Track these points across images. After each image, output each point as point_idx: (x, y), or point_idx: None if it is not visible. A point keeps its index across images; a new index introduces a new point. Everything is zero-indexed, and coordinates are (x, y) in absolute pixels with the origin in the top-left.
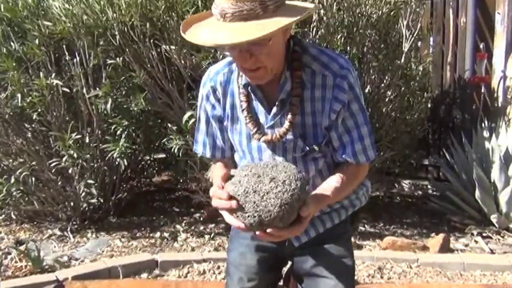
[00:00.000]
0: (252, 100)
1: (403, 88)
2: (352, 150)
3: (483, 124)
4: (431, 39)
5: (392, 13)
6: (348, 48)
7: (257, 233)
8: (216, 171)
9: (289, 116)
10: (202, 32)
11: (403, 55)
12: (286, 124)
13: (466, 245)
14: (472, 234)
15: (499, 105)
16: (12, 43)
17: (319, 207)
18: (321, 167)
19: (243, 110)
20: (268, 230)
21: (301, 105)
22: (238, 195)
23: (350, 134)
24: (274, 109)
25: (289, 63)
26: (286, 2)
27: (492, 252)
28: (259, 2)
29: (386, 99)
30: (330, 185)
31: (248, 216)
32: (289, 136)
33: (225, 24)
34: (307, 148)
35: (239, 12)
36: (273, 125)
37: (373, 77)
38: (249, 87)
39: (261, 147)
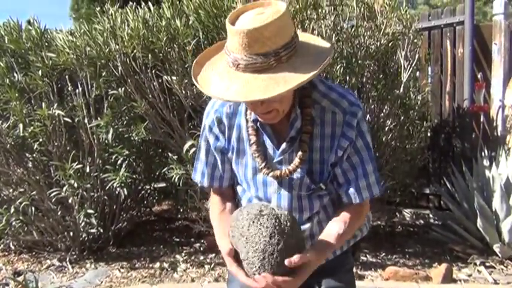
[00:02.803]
0: (260, 134)
1: (402, 117)
2: (357, 187)
3: (483, 153)
4: (429, 69)
5: (390, 44)
6: (347, 78)
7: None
8: (217, 228)
9: (300, 153)
10: (213, 82)
11: (402, 85)
12: (296, 161)
13: (469, 275)
14: (475, 264)
15: (499, 134)
16: (15, 74)
17: (321, 257)
18: (326, 203)
19: (251, 144)
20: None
21: (310, 142)
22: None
23: (355, 170)
24: (284, 145)
25: (299, 100)
26: (299, 38)
27: (496, 282)
28: (274, 54)
29: (386, 129)
30: (332, 234)
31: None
32: (298, 173)
33: (237, 73)
34: (313, 186)
35: (252, 65)
36: (281, 160)
37: (373, 106)
38: (258, 123)
39: (266, 181)
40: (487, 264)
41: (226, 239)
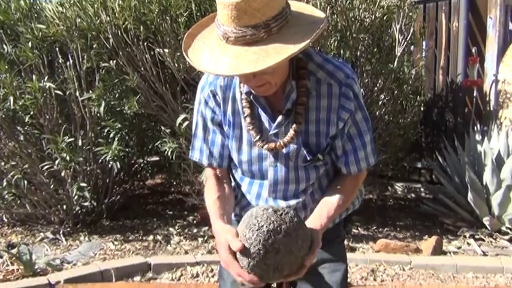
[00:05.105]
0: (255, 107)
1: (396, 92)
2: (356, 158)
3: (475, 127)
4: (424, 43)
5: (385, 17)
6: (342, 52)
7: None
8: (213, 215)
9: (294, 125)
10: (204, 56)
11: (396, 59)
12: (291, 133)
13: (459, 248)
14: (465, 236)
15: (491, 108)
16: (4, 46)
17: (323, 231)
18: (321, 174)
19: (245, 117)
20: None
21: (305, 114)
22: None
23: (353, 141)
24: (280, 118)
25: (294, 71)
26: (292, 8)
27: (484, 254)
28: (264, 26)
29: (380, 103)
30: (331, 203)
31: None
32: (293, 144)
33: (227, 47)
34: (310, 157)
35: (242, 38)
36: (277, 133)
37: (367, 80)
38: (252, 96)
39: (262, 154)
40: (477, 236)
41: (222, 225)
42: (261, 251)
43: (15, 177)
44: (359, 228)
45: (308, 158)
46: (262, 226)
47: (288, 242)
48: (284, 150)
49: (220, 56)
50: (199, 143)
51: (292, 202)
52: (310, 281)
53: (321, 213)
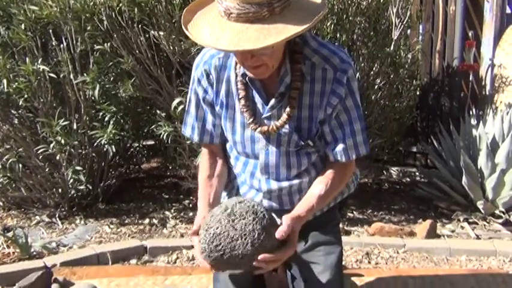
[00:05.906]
0: (249, 89)
1: (392, 76)
2: (344, 146)
3: (471, 112)
4: (420, 26)
5: (382, 0)
6: (338, 35)
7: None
8: (199, 195)
9: (288, 109)
10: (204, 31)
11: (393, 43)
12: (284, 117)
13: (453, 231)
14: (459, 220)
15: (487, 93)
16: None
17: (301, 221)
18: (314, 160)
19: (240, 99)
20: (260, 257)
21: (299, 99)
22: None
23: (343, 129)
24: (273, 101)
25: (290, 55)
26: None
27: (478, 237)
28: (267, 4)
29: (376, 87)
30: (313, 195)
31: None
32: (285, 129)
33: (228, 23)
34: (302, 143)
35: (245, 14)
36: (270, 116)
37: (363, 64)
38: (247, 77)
39: (254, 137)
40: (470, 220)
41: (202, 209)
42: (206, 249)
43: (10, 160)
44: (354, 212)
45: (300, 144)
46: (211, 228)
47: (235, 247)
48: (276, 134)
49: (221, 32)
50: (192, 120)
51: (285, 184)
52: (304, 264)
53: (302, 205)
